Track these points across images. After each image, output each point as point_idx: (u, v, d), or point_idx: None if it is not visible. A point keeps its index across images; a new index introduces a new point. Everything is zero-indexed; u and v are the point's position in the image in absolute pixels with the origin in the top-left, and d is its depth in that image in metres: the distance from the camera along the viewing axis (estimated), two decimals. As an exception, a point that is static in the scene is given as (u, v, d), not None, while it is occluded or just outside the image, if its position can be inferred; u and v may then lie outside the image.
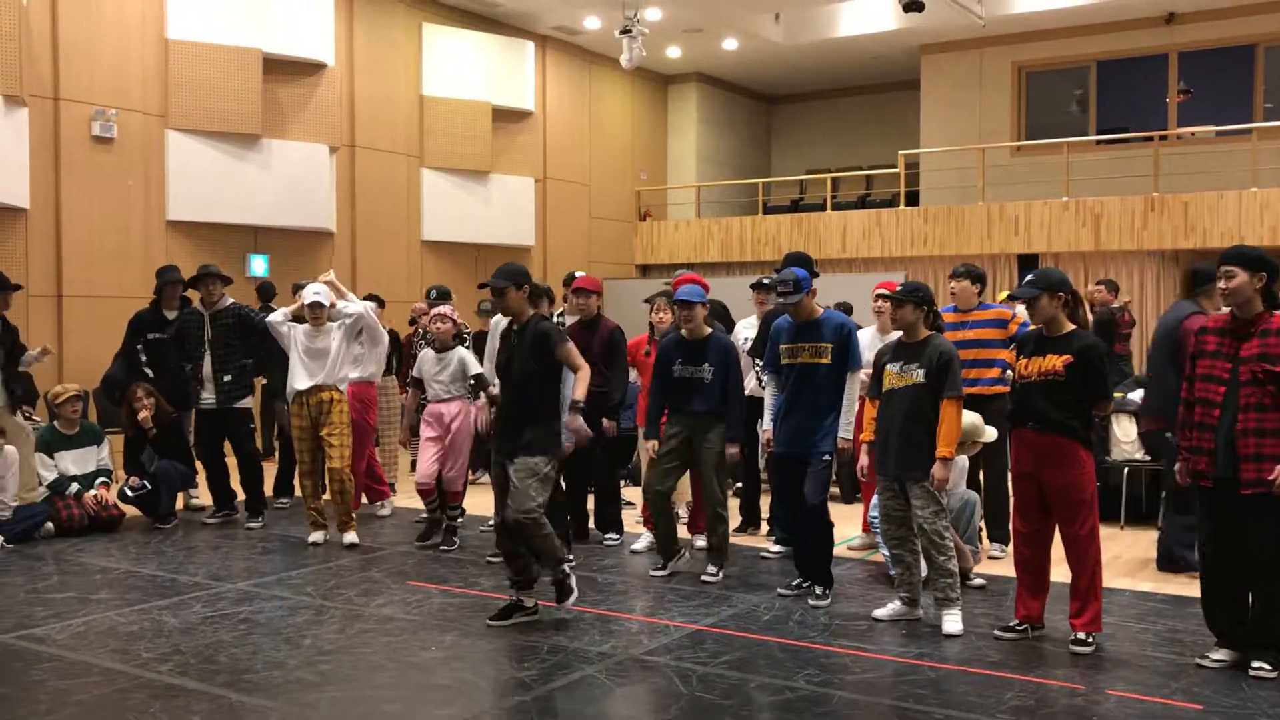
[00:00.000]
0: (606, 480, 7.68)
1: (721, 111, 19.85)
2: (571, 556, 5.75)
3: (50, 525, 7.69)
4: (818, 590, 5.99)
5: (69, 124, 10.90)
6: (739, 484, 8.40)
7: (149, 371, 8.56)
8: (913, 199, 16.70)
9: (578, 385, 5.63)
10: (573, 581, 5.61)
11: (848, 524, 7.76)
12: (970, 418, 6.04)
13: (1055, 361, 5.10)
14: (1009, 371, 6.78)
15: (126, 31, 11.34)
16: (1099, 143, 16.00)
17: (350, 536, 7.46)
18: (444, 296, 8.90)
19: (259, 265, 12.51)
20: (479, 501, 8.58)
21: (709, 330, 6.57)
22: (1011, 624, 5.36)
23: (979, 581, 6.34)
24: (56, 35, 10.77)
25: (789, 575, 6.35)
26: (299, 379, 7.45)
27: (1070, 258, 14.67)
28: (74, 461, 8.02)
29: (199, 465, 8.53)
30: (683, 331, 6.59)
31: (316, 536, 7.53)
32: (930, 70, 17.40)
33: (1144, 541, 7.72)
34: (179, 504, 8.54)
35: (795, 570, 6.25)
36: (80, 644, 5.21)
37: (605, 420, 7.32)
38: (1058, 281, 5.20)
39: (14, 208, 10.34)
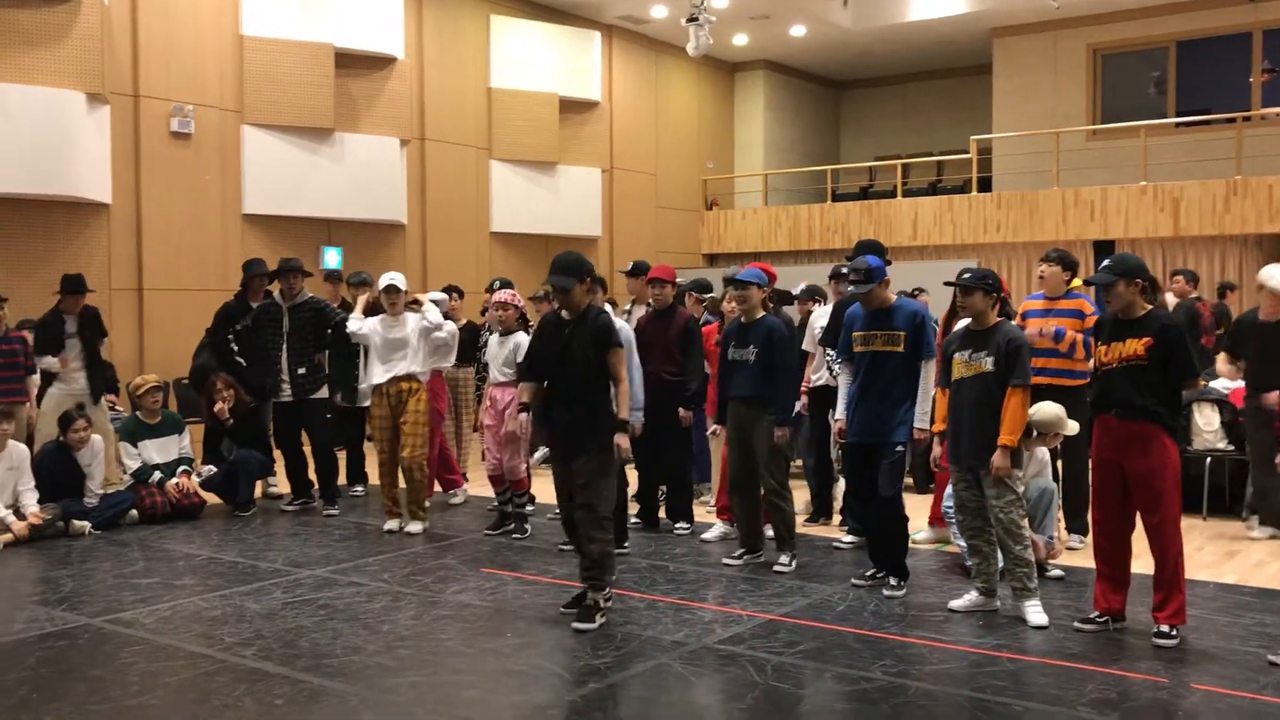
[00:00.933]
0: (678, 469, 7.68)
1: (789, 98, 19.72)
2: (611, 591, 5.51)
3: (134, 512, 7.89)
4: (892, 581, 5.95)
5: (148, 121, 11.14)
6: (798, 460, 8.28)
7: (241, 361, 8.69)
8: (985, 185, 16.46)
9: (620, 404, 5.39)
10: (605, 601, 5.42)
11: (919, 515, 7.68)
12: (1053, 410, 5.94)
13: (1136, 345, 5.00)
14: (1064, 335, 6.67)
15: (203, 29, 11.57)
16: (1178, 125, 15.63)
17: (415, 526, 7.55)
18: (506, 288, 8.96)
19: (332, 258, 12.69)
20: (549, 489, 8.61)
21: (762, 313, 6.55)
22: (1091, 616, 5.27)
23: (1056, 573, 6.24)
24: (136, 34, 11.02)
25: (862, 566, 6.31)
26: (376, 372, 7.55)
27: (1148, 244, 14.35)
28: (156, 450, 8.22)
29: (277, 454, 8.69)
30: (740, 316, 6.58)
31: (390, 525, 7.64)
32: (1003, 54, 17.11)
33: (1228, 533, 7.54)
34: (257, 492, 8.71)
35: (869, 561, 6.21)
36: (166, 628, 5.35)
37: (681, 410, 7.32)
38: (1135, 267, 5.09)
39: (97, 203, 10.61)
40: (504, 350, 7.39)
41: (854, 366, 6.14)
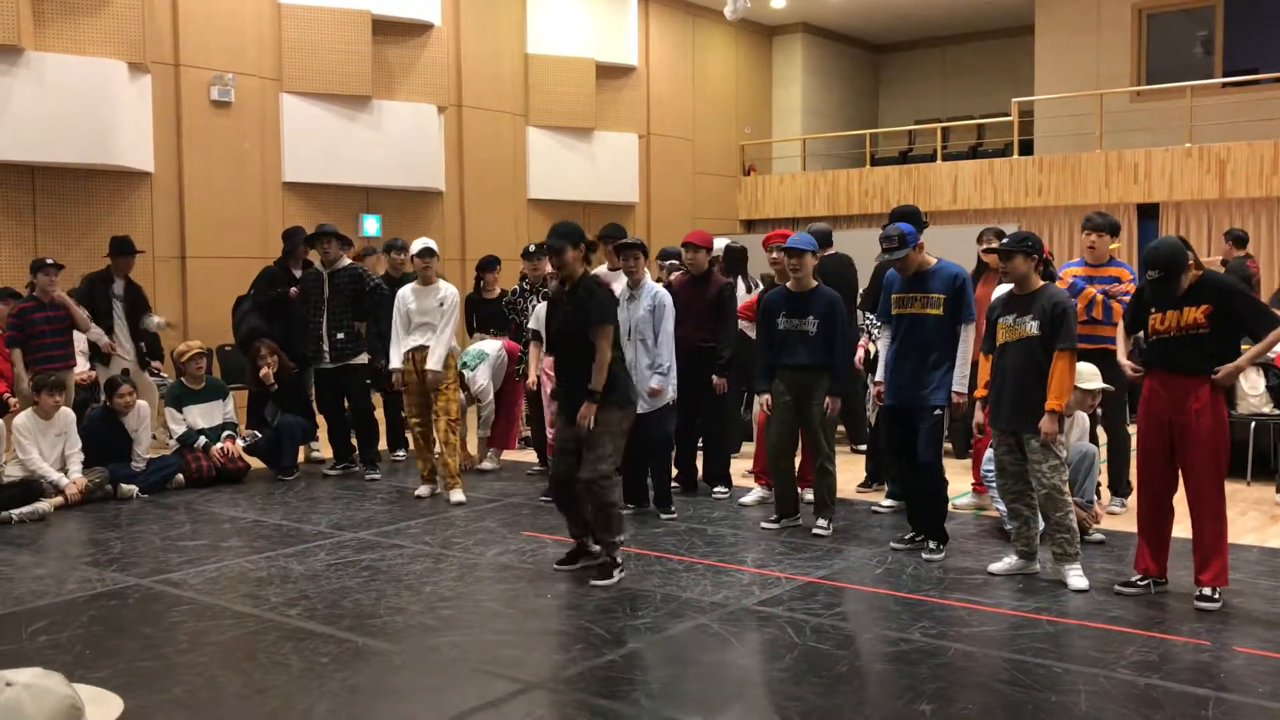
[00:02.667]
0: (715, 434, 7.70)
1: (828, 62, 19.51)
2: (624, 536, 5.64)
3: (180, 476, 8.02)
4: (931, 545, 5.94)
5: (189, 89, 11.22)
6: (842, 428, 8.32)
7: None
8: (1026, 148, 16.24)
9: (595, 373, 5.43)
10: (619, 556, 5.54)
11: (960, 479, 7.65)
12: (1079, 365, 5.88)
13: (1195, 314, 4.93)
14: (1083, 289, 6.60)
15: (241, -3, 11.61)
16: (1225, 85, 15.32)
17: (457, 495, 7.54)
18: (540, 252, 8.98)
19: (371, 225, 12.76)
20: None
21: (816, 283, 6.51)
22: (1133, 579, 5.25)
23: (1098, 537, 6.21)
24: (176, 4, 11.07)
25: (901, 529, 6.31)
26: (406, 339, 7.59)
27: (1194, 206, 14.13)
28: (201, 415, 8.33)
29: (319, 419, 8.79)
30: (788, 284, 6.53)
31: (422, 490, 7.69)
32: (1045, 14, 16.82)
33: (1271, 498, 7.46)
34: (300, 456, 8.82)
35: (908, 525, 6.21)
36: (214, 589, 5.45)
37: (715, 377, 7.33)
38: (1170, 256, 4.91)
39: (139, 171, 10.72)
40: None
41: (893, 329, 6.11)
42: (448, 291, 7.61)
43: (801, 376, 6.42)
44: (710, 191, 17.68)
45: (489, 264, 9.38)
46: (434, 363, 7.47)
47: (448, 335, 7.56)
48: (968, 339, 5.92)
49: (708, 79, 17.60)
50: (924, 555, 5.90)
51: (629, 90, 15.88)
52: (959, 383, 5.89)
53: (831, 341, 6.37)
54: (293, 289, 8.65)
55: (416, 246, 7.59)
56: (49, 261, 8.10)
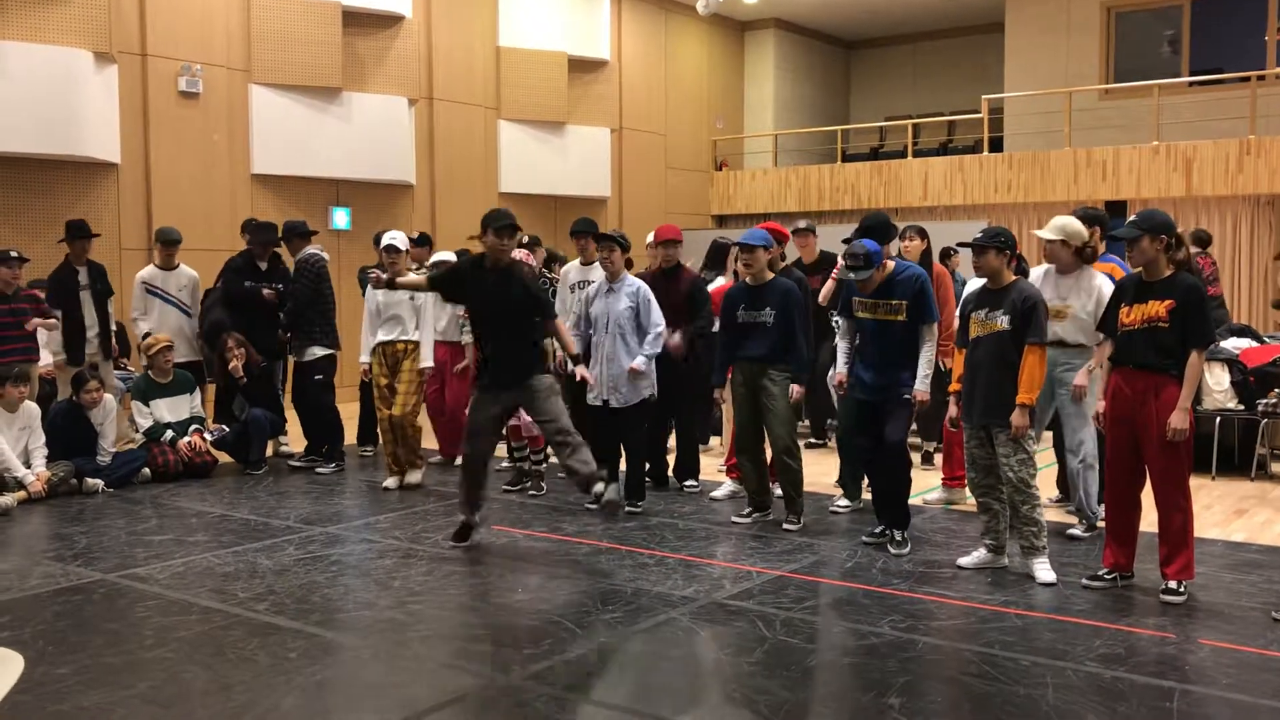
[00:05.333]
0: (686, 428, 7.70)
1: (799, 58, 19.56)
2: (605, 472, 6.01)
3: (147, 471, 7.94)
4: (897, 536, 5.95)
5: (156, 80, 11.10)
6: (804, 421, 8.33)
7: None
8: (996, 145, 16.35)
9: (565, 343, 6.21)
10: (605, 480, 5.86)
11: (930, 476, 7.69)
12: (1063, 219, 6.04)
13: (1158, 307, 4.98)
14: None
15: (210, -13, 11.49)
16: (1191, 84, 15.47)
17: (414, 475, 7.72)
18: (534, 243, 8.95)
19: (341, 218, 12.68)
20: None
21: (771, 275, 6.53)
22: (1100, 573, 5.29)
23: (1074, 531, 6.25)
24: (143, -8, 10.95)
25: (867, 526, 6.32)
26: (377, 331, 7.58)
27: (1161, 204, 14.23)
28: (168, 409, 8.25)
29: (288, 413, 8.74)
30: (746, 278, 6.56)
31: (390, 482, 7.70)
32: (1015, 12, 16.94)
33: (1236, 492, 7.55)
34: (269, 450, 8.76)
35: (875, 518, 6.22)
36: (180, 584, 5.39)
37: (675, 339, 7.22)
38: (1161, 224, 5.05)
39: (105, 162, 10.60)
40: None
41: (853, 325, 6.15)
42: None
43: (757, 368, 6.44)
44: (682, 186, 17.69)
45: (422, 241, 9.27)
46: (427, 358, 7.58)
47: (429, 329, 7.58)
48: (930, 339, 5.95)
49: (680, 74, 17.60)
50: (891, 549, 5.92)
51: (601, 84, 15.86)
52: (921, 381, 5.92)
53: (789, 332, 6.38)
54: (266, 291, 8.57)
55: (383, 242, 7.53)
56: (13, 254, 7.98)
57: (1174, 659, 4.32)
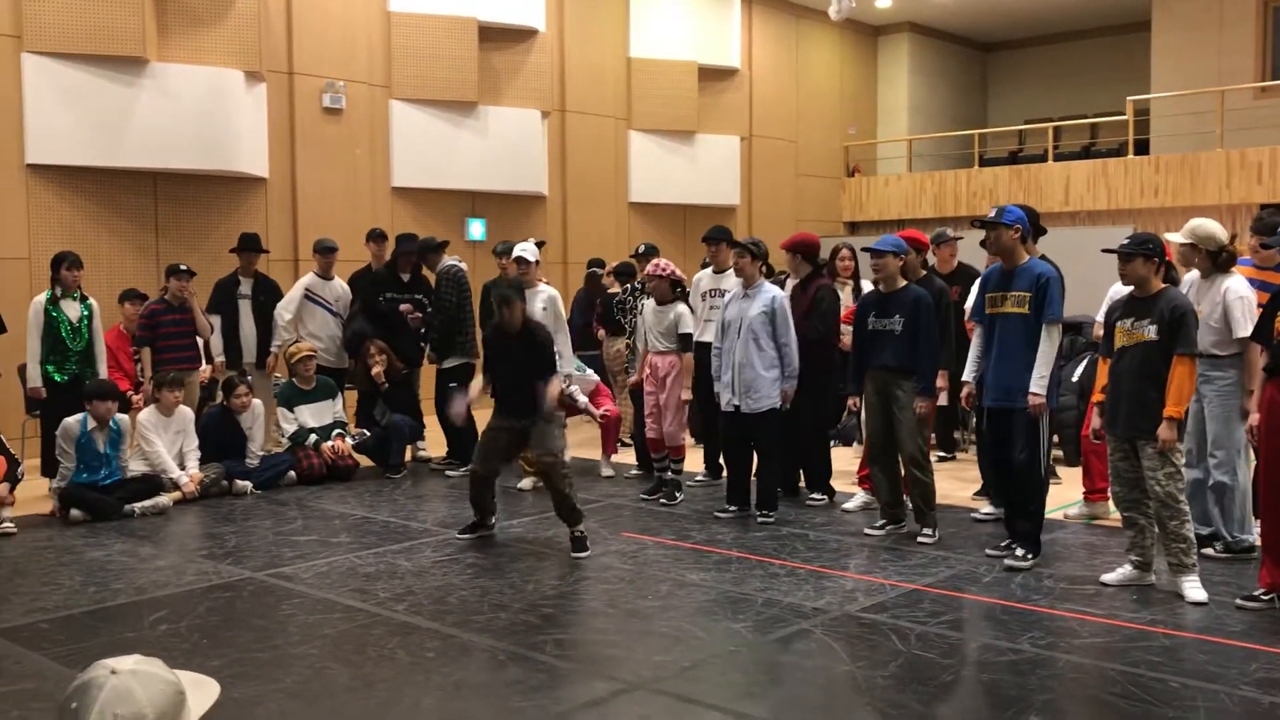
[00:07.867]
0: (814, 439, 7.62)
1: (934, 61, 19.21)
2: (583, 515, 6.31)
3: (292, 474, 8.24)
4: (1019, 552, 5.78)
5: (302, 97, 11.53)
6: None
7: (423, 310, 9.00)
8: (1142, 147, 15.75)
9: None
10: (583, 531, 6.21)
11: (1073, 488, 7.46)
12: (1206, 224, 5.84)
13: None
14: None
15: (352, 6, 11.88)
16: (1356, 80, 14.67)
17: (525, 482, 7.92)
18: (651, 252, 9.03)
19: (476, 229, 12.95)
20: (697, 457, 8.66)
21: (904, 283, 6.43)
22: (1256, 593, 5.04)
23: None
24: (290, 13, 11.39)
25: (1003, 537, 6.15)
26: None
27: (1321, 206, 13.54)
28: (312, 415, 8.55)
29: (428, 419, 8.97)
30: (879, 285, 6.48)
31: (524, 484, 7.85)
32: (1163, 9, 16.31)
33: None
34: (408, 455, 8.99)
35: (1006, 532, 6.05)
36: (324, 583, 5.58)
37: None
38: None
39: (255, 177, 11.05)
40: (663, 320, 7.47)
41: (986, 329, 5.99)
42: (549, 294, 7.70)
43: (887, 376, 6.36)
44: (814, 193, 17.53)
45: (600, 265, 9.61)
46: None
47: (564, 338, 7.72)
48: (1051, 339, 5.74)
49: (811, 80, 17.46)
50: (1008, 562, 5.75)
51: (731, 92, 15.84)
52: (1037, 384, 5.70)
53: (917, 340, 6.28)
54: (403, 306, 8.83)
55: (515, 252, 7.79)
56: (183, 268, 8.43)
57: (1338, 686, 4.09)
